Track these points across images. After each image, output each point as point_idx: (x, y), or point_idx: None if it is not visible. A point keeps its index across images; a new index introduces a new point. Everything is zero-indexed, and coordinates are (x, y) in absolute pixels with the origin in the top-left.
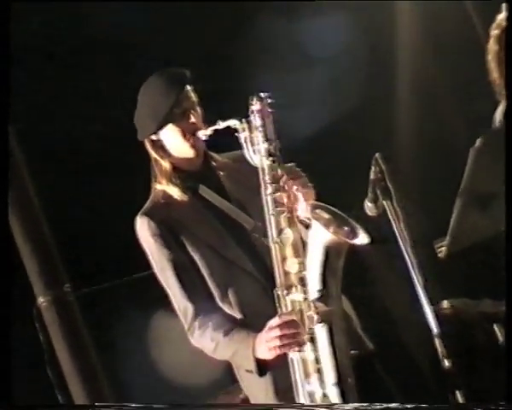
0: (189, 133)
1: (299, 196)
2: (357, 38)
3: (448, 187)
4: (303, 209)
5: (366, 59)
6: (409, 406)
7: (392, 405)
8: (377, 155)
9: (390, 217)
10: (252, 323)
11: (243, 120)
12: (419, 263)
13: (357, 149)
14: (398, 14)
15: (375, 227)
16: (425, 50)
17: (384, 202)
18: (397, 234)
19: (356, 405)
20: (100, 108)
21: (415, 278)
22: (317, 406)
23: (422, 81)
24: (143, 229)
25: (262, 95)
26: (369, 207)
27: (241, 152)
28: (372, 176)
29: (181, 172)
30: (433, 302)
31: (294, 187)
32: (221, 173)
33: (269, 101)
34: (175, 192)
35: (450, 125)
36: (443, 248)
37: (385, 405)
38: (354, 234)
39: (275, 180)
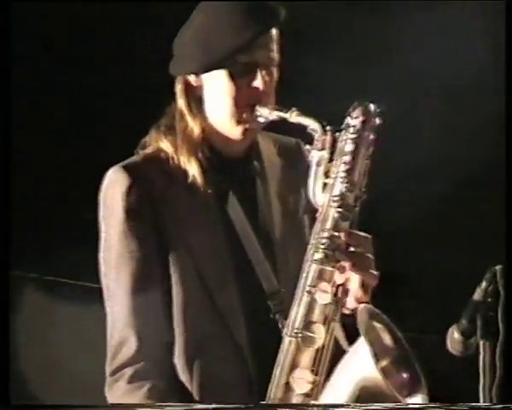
0: (244, 101)
1: (354, 287)
2: None
3: None
4: (351, 306)
5: None
6: (410, 406)
7: (391, 405)
8: (498, 268)
9: (481, 371)
10: None
11: (328, 129)
12: None
13: None
14: None
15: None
16: None
17: (481, 343)
18: (481, 401)
19: (357, 405)
20: None
21: None
22: (317, 406)
23: None
24: (116, 190)
25: (371, 107)
26: (455, 339)
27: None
28: (477, 296)
29: (210, 151)
30: None
31: (355, 273)
32: (262, 181)
33: (377, 121)
34: (196, 172)
35: None
36: None
37: (387, 405)
38: (411, 389)
39: (332, 246)
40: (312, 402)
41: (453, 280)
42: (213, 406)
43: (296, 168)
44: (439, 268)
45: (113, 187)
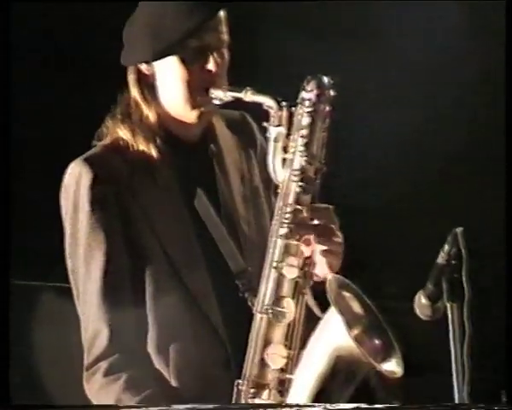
0: (197, 85)
1: (321, 258)
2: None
3: None
4: (321, 278)
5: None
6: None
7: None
8: (459, 230)
9: (451, 333)
10: (188, 401)
11: (284, 104)
12: None
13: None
14: None
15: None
16: None
17: (448, 305)
18: (453, 363)
19: (357, 405)
20: None
21: None
22: (316, 406)
23: None
24: (80, 183)
25: (325, 79)
26: (422, 304)
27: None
28: (441, 260)
29: (168, 136)
30: None
31: (320, 245)
32: (219, 162)
33: (332, 93)
34: (155, 158)
35: None
36: None
37: (387, 405)
38: (385, 355)
39: (295, 220)
40: (288, 402)
41: (423, 248)
42: (191, 406)
43: (245, 140)
44: (409, 238)
45: (77, 181)
